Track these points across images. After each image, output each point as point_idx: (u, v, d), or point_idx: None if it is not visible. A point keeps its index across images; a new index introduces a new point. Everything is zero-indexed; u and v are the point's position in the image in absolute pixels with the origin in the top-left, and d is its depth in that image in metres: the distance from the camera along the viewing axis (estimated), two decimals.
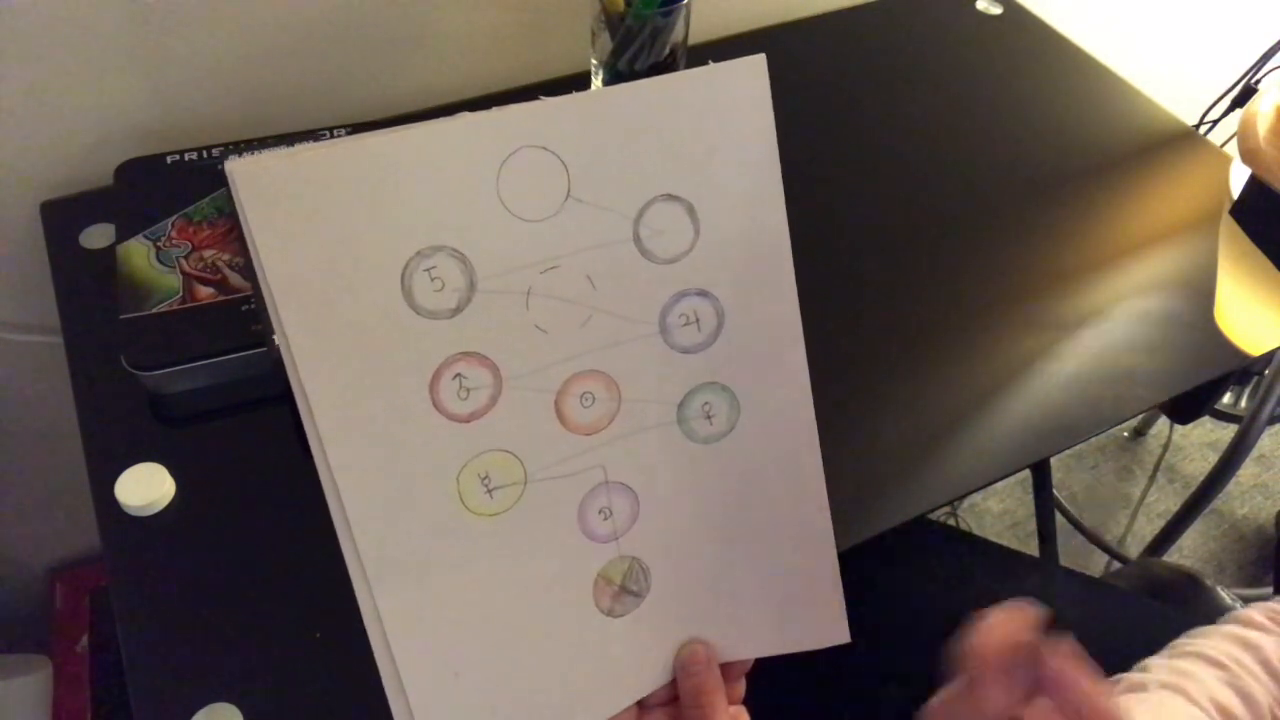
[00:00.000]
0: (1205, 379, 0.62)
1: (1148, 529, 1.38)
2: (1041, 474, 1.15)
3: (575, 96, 0.35)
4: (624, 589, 0.40)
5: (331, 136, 0.65)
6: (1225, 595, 0.72)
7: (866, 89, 0.82)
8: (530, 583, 0.38)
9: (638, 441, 0.39)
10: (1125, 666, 0.59)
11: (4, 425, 0.78)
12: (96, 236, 0.63)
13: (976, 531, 1.37)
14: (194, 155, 0.64)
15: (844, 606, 0.43)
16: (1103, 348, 0.63)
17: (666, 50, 0.63)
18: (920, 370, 0.61)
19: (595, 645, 0.40)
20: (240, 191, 0.31)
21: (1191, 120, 0.95)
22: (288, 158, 0.31)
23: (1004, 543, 0.73)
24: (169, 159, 0.64)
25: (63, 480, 0.84)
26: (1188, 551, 1.40)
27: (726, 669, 0.42)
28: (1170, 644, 0.49)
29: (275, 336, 0.32)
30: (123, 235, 0.59)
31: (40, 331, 0.72)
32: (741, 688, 0.43)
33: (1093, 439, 1.48)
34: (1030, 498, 1.37)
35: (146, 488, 0.51)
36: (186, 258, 0.58)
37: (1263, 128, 0.71)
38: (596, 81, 0.66)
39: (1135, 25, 1.15)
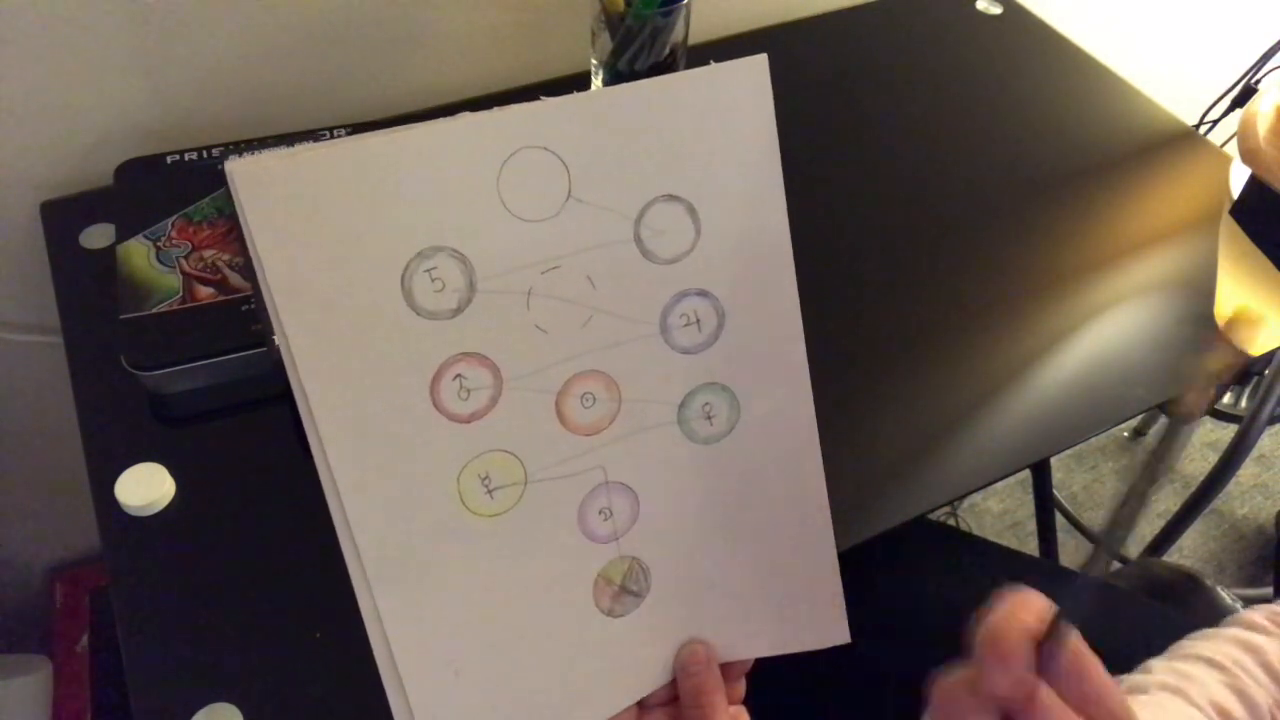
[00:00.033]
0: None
1: (1148, 529, 1.38)
2: (1041, 474, 1.15)
3: (576, 96, 0.35)
4: (624, 589, 0.40)
5: (331, 136, 0.65)
6: (1225, 595, 0.72)
7: (866, 89, 0.82)
8: (530, 583, 0.38)
9: (638, 442, 0.39)
10: (1125, 666, 0.59)
11: (4, 425, 0.78)
12: (96, 236, 0.63)
13: (976, 531, 1.37)
14: (194, 155, 0.64)
15: (844, 606, 0.43)
16: (1103, 347, 0.63)
17: (666, 50, 0.63)
18: (920, 370, 0.61)
19: (595, 645, 0.40)
20: (240, 192, 0.31)
21: (1191, 120, 0.95)
22: (288, 158, 0.31)
23: (1004, 543, 0.73)
24: (169, 159, 0.64)
25: (63, 480, 0.84)
26: (1188, 551, 1.40)
27: (726, 669, 0.42)
28: (1172, 646, 0.49)
29: (275, 336, 0.32)
30: (123, 235, 0.59)
31: (40, 331, 0.72)
32: (741, 688, 0.43)
33: (1093, 439, 1.48)
34: (1030, 498, 1.37)
35: (146, 488, 0.51)
36: (186, 258, 0.58)
37: (1263, 128, 0.71)
38: (596, 81, 0.66)
39: (1135, 25, 1.15)
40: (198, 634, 0.47)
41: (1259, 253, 0.70)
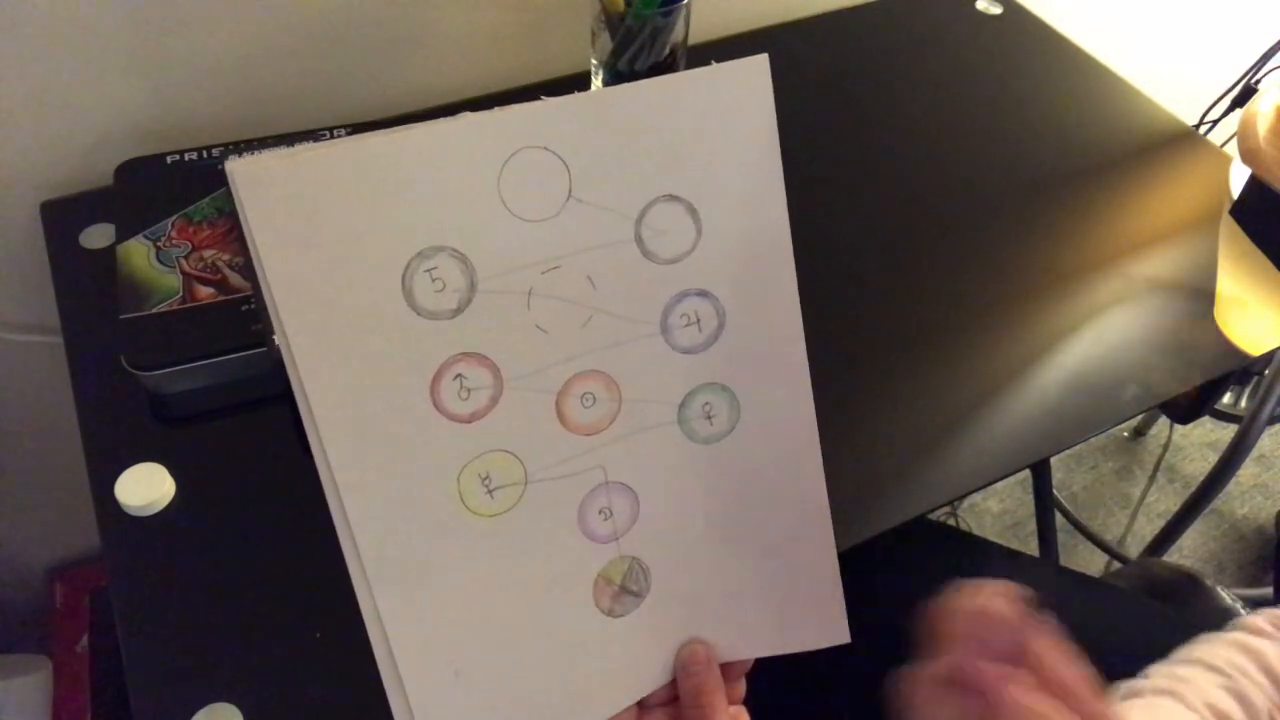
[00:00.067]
0: (1205, 379, 0.62)
1: (1148, 529, 1.38)
2: (1041, 474, 1.15)
3: (576, 97, 0.35)
4: (624, 589, 0.40)
5: (331, 136, 0.65)
6: (1225, 595, 0.72)
7: (866, 89, 0.82)
8: (530, 583, 0.38)
9: (638, 442, 0.39)
10: (1125, 666, 0.59)
11: (4, 425, 0.78)
12: (96, 236, 0.63)
13: (976, 531, 1.37)
14: (194, 155, 0.64)
15: (844, 606, 0.43)
16: (1103, 347, 0.63)
17: (666, 50, 0.63)
18: (920, 370, 0.61)
19: (595, 645, 0.40)
20: (240, 191, 0.31)
21: (1191, 120, 0.95)
22: (288, 158, 0.31)
23: (1004, 543, 0.73)
24: (169, 159, 0.64)
25: (63, 480, 0.84)
26: (1188, 551, 1.40)
27: (726, 669, 0.42)
28: (1173, 653, 0.49)
29: (275, 336, 0.32)
30: (123, 235, 0.59)
31: (40, 331, 0.72)
32: (742, 688, 0.43)
33: (1093, 439, 1.48)
34: (1030, 498, 1.37)
35: (146, 488, 0.51)
36: (186, 258, 0.58)
37: (1263, 128, 0.71)
38: (596, 81, 0.66)
39: (1135, 25, 1.15)
40: (198, 634, 0.47)
41: (1259, 253, 0.70)
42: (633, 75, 0.63)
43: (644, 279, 0.38)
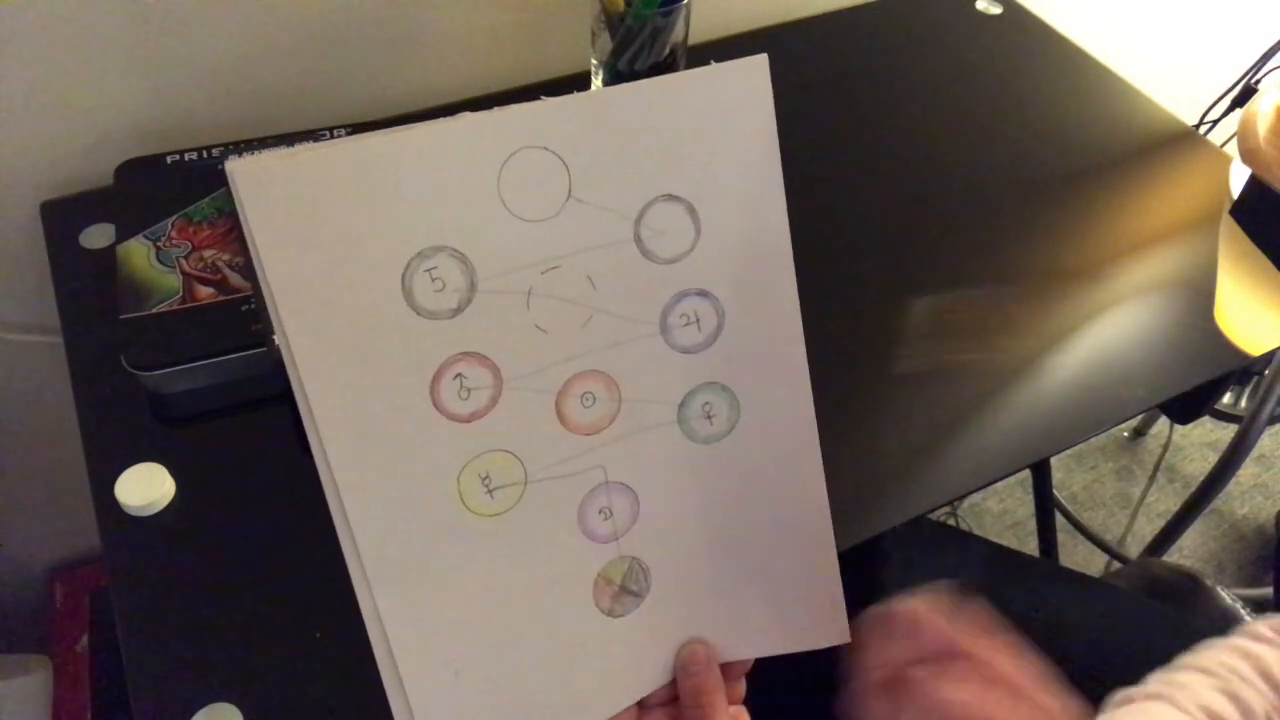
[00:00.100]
0: (1205, 379, 0.62)
1: (1148, 529, 1.38)
2: (1041, 474, 1.15)
3: (576, 97, 0.35)
4: (624, 589, 0.40)
5: (331, 136, 0.65)
6: (1225, 595, 0.72)
7: (866, 89, 0.82)
8: (530, 583, 0.38)
9: (638, 442, 0.39)
10: (1126, 666, 0.59)
11: (4, 425, 0.78)
12: (96, 236, 0.63)
13: (976, 531, 1.37)
14: (194, 155, 0.64)
15: (844, 606, 0.43)
16: (1103, 348, 0.63)
17: (666, 50, 0.63)
18: (921, 370, 0.61)
19: (595, 645, 0.40)
20: (241, 191, 0.31)
21: (1191, 120, 0.95)
22: (288, 158, 0.31)
23: (1004, 543, 0.73)
24: (169, 159, 0.64)
25: (63, 480, 0.84)
26: (1188, 551, 1.40)
27: (726, 669, 0.42)
28: (1175, 655, 0.49)
29: (275, 336, 0.32)
30: (123, 235, 0.59)
31: (40, 331, 0.72)
32: (742, 688, 0.43)
33: (1093, 439, 1.48)
34: (1030, 498, 1.37)
35: (146, 488, 0.51)
36: (186, 258, 0.58)
37: (1263, 128, 0.71)
38: (596, 81, 0.66)
39: (1135, 25, 1.15)
40: (198, 634, 0.47)
41: (1259, 253, 0.70)
42: (633, 75, 0.63)
43: (643, 279, 0.38)
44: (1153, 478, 1.44)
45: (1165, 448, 1.46)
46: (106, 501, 0.51)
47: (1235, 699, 0.44)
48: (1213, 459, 1.43)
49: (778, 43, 0.85)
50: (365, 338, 0.33)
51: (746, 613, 0.42)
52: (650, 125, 0.37)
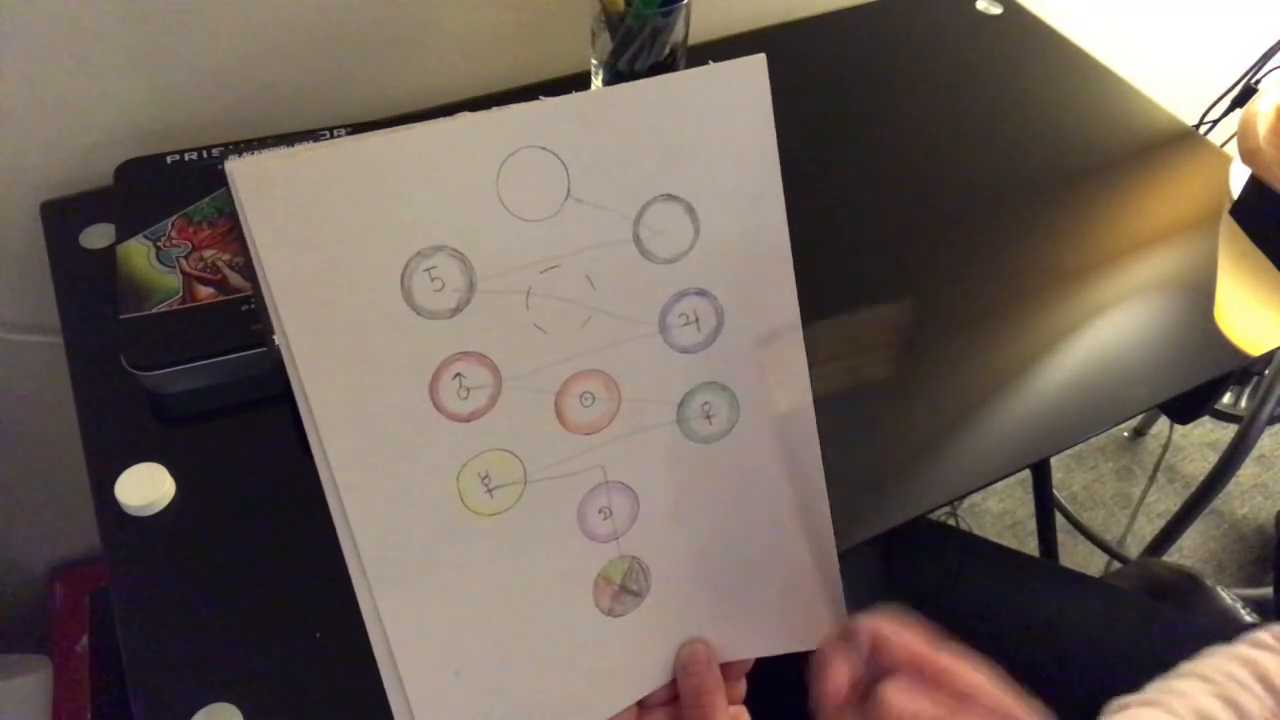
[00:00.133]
0: (1205, 379, 0.62)
1: (1148, 529, 1.38)
2: (1041, 474, 1.15)
3: (575, 96, 0.35)
4: (624, 589, 0.40)
5: (331, 136, 0.65)
6: (1225, 595, 0.72)
7: (866, 89, 0.82)
8: (530, 582, 0.38)
9: (637, 441, 0.39)
10: (1126, 666, 0.59)
11: (4, 425, 0.78)
12: (96, 236, 0.63)
13: (976, 531, 1.37)
14: (194, 155, 0.64)
15: (844, 606, 0.43)
16: (1103, 348, 0.63)
17: (666, 50, 0.63)
18: (921, 370, 0.61)
19: (595, 645, 0.40)
20: (241, 191, 0.31)
21: (1191, 120, 0.95)
22: (288, 158, 0.31)
23: (1004, 543, 0.73)
24: (169, 159, 0.64)
25: (63, 480, 0.84)
26: (1188, 551, 1.40)
27: (727, 669, 0.42)
28: (1176, 658, 0.49)
29: (275, 336, 0.32)
30: (123, 235, 0.59)
31: (40, 331, 0.72)
32: (742, 687, 0.43)
33: (1093, 439, 1.48)
34: (1030, 498, 1.37)
35: (146, 488, 0.51)
36: (186, 258, 0.58)
37: (1263, 128, 0.71)
38: (596, 81, 0.66)
39: (1135, 25, 1.15)
40: (198, 634, 0.47)
41: (1259, 253, 0.70)
42: (633, 75, 0.63)
43: (642, 278, 0.38)
44: (1153, 478, 1.44)
45: (1165, 448, 1.46)
46: (106, 501, 0.51)
47: (1232, 705, 0.44)
48: (1213, 459, 1.43)
49: (778, 43, 0.85)
50: (365, 337, 0.33)
51: (747, 612, 0.42)
52: (649, 125, 0.37)
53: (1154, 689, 0.46)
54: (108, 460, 0.52)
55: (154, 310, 0.56)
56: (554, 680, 0.39)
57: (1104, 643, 0.61)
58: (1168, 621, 0.64)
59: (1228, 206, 0.73)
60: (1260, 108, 0.73)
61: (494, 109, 0.34)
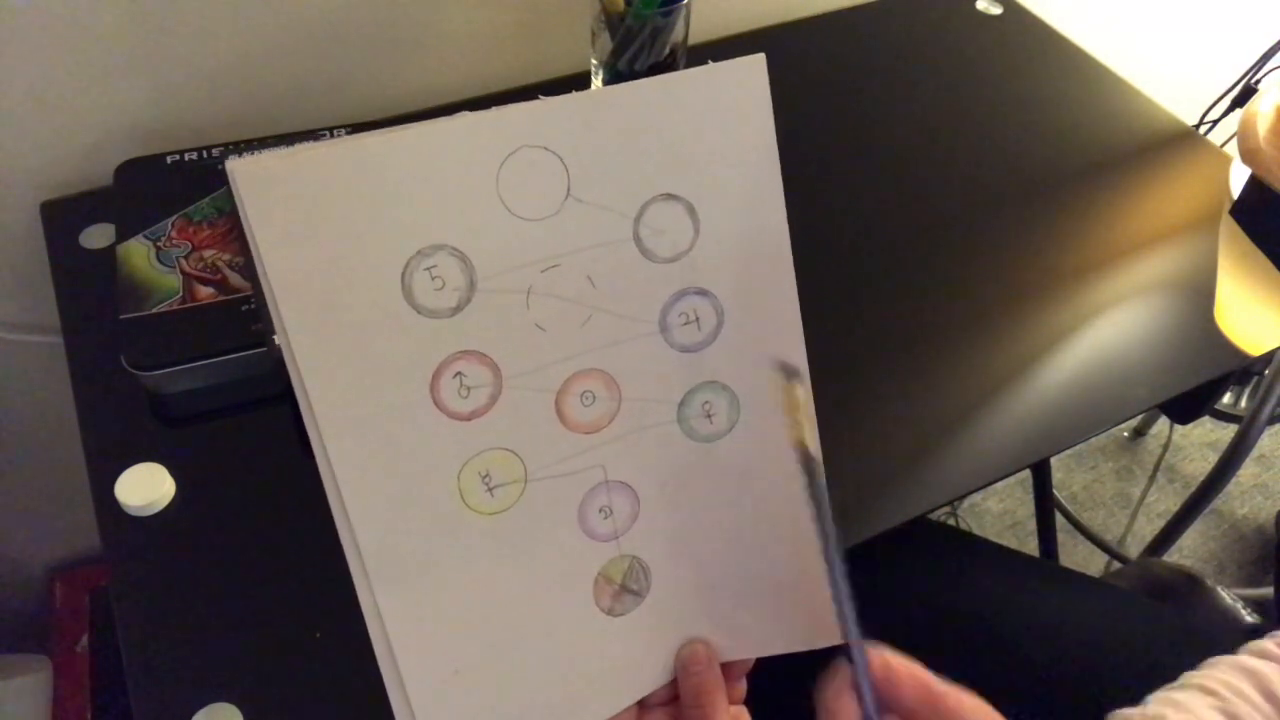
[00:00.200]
0: (1205, 379, 0.62)
1: (1148, 529, 1.38)
2: (1041, 474, 1.15)
3: (575, 96, 0.35)
4: (624, 588, 0.40)
5: (331, 136, 0.65)
6: (1225, 595, 0.72)
7: (866, 89, 0.82)
8: (531, 581, 0.38)
9: (638, 440, 0.39)
10: (1125, 666, 0.59)
11: (4, 425, 0.78)
12: (96, 236, 0.63)
13: (976, 531, 1.37)
14: (194, 155, 0.64)
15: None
16: (1103, 348, 0.63)
17: (666, 50, 0.63)
18: (920, 370, 0.61)
19: (595, 644, 0.40)
20: (241, 190, 0.31)
21: (1191, 120, 0.95)
22: (289, 157, 0.31)
23: (1004, 543, 0.73)
24: (169, 159, 0.64)
25: (63, 480, 0.84)
26: (1188, 551, 1.40)
27: (727, 669, 0.42)
28: (1179, 678, 0.49)
29: (276, 335, 0.32)
30: (123, 235, 0.59)
31: (40, 331, 0.72)
32: (742, 687, 0.43)
33: (1093, 439, 1.48)
34: (1030, 498, 1.37)
35: (146, 488, 0.51)
36: (186, 258, 0.58)
37: (1263, 128, 0.71)
38: (596, 81, 0.66)
39: (1135, 25, 1.15)
40: (198, 634, 0.47)
41: (1259, 253, 0.70)
42: (633, 75, 0.63)
43: (643, 278, 0.38)
44: (1153, 478, 1.44)
45: (1165, 448, 1.46)
46: (106, 501, 0.51)
47: (1234, 718, 0.44)
48: (1213, 459, 1.43)
49: (778, 43, 0.85)
50: (365, 336, 0.33)
51: (747, 612, 0.42)
52: (649, 124, 0.37)
53: (1155, 700, 0.46)
54: (108, 460, 0.52)
55: (154, 310, 0.56)
56: (554, 679, 0.39)
57: (1104, 643, 0.61)
58: (1168, 622, 0.64)
59: (1228, 206, 0.73)
60: (1260, 108, 0.73)
61: (494, 108, 0.34)
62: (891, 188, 0.73)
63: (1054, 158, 0.77)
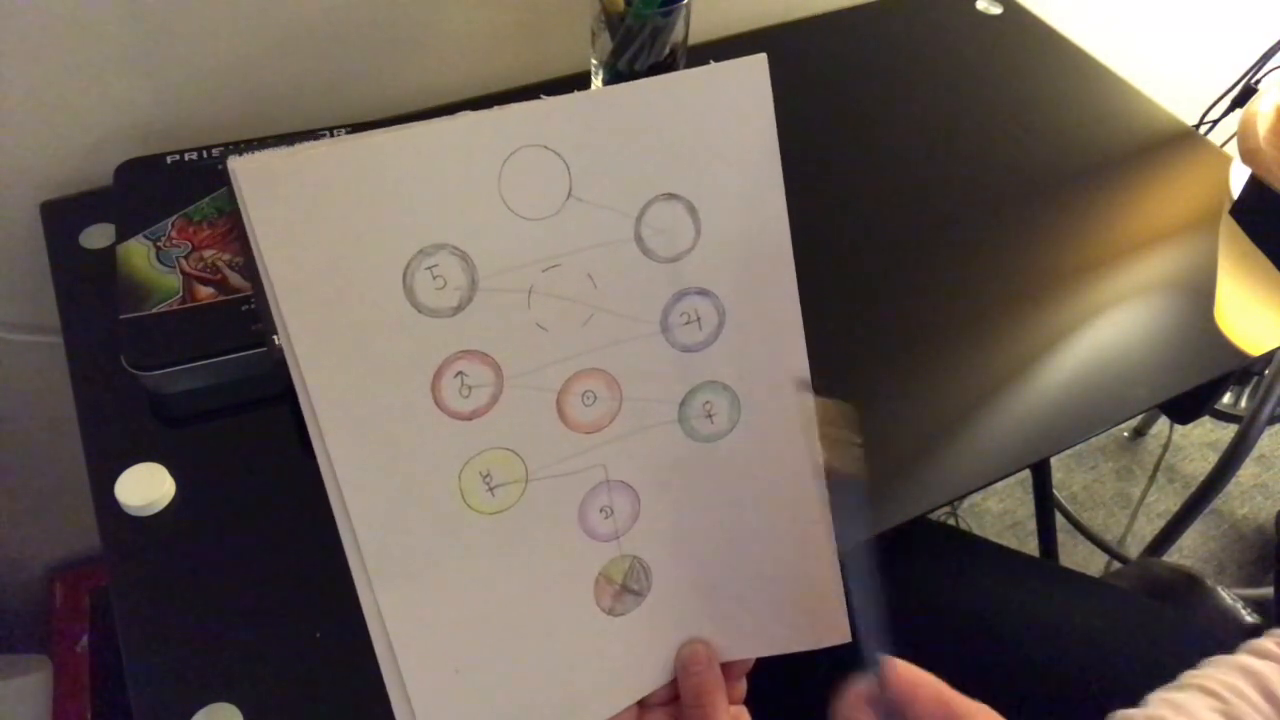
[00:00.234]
0: (1205, 379, 0.62)
1: (1148, 529, 1.38)
2: (1041, 474, 1.15)
3: (576, 96, 0.35)
4: (625, 588, 0.40)
5: (331, 136, 0.65)
6: (1225, 595, 0.72)
7: (866, 89, 0.82)
8: (531, 581, 0.38)
9: (639, 440, 0.39)
10: (1125, 666, 0.59)
11: (4, 425, 0.78)
12: (96, 236, 0.63)
13: (976, 531, 1.37)
14: (194, 155, 0.64)
15: (844, 606, 0.43)
16: (1103, 348, 0.63)
17: (666, 50, 0.63)
18: (920, 370, 0.61)
19: (596, 644, 0.40)
20: (243, 189, 0.31)
21: (1191, 120, 0.95)
22: (290, 156, 0.31)
23: (1004, 543, 0.73)
24: (169, 159, 0.64)
25: (63, 480, 0.84)
26: (1188, 551, 1.40)
27: (727, 668, 0.42)
28: (1179, 677, 0.49)
29: (277, 335, 0.32)
30: (123, 235, 0.59)
31: (40, 331, 0.72)
32: (743, 687, 0.43)
33: (1093, 439, 1.48)
34: (1030, 498, 1.37)
35: (146, 488, 0.51)
36: (186, 258, 0.58)
37: (1263, 128, 0.71)
38: (596, 81, 0.66)
39: (1135, 25, 1.15)
40: (198, 634, 0.47)
41: (1259, 253, 0.70)
42: (633, 75, 0.63)
43: (644, 277, 0.38)
44: (1153, 478, 1.44)
45: (1165, 448, 1.46)
46: (106, 501, 0.51)
47: None
48: (1213, 459, 1.43)
49: (778, 43, 0.85)
50: (367, 335, 0.33)
51: (747, 612, 0.42)
52: (650, 124, 0.37)
53: (1155, 700, 0.46)
54: (108, 460, 0.52)
55: (154, 310, 0.56)
56: (554, 679, 0.39)
57: (1104, 643, 0.61)
58: (1168, 621, 0.64)
59: (1228, 206, 0.73)
60: (1260, 108, 0.73)
61: (496, 108, 0.34)
62: (891, 188, 0.73)
63: (1054, 158, 0.77)
